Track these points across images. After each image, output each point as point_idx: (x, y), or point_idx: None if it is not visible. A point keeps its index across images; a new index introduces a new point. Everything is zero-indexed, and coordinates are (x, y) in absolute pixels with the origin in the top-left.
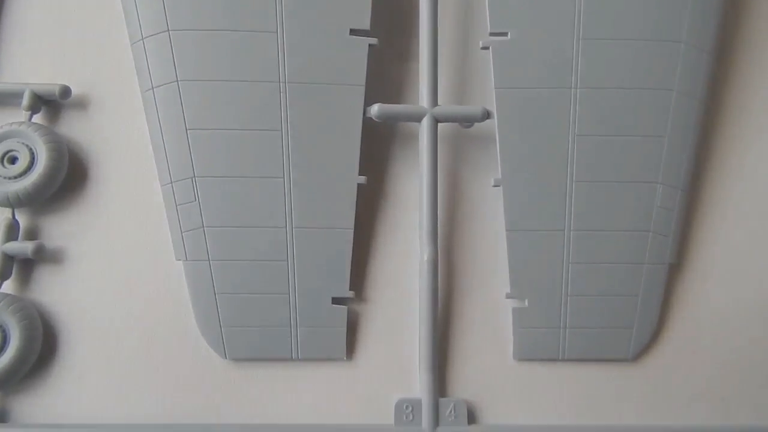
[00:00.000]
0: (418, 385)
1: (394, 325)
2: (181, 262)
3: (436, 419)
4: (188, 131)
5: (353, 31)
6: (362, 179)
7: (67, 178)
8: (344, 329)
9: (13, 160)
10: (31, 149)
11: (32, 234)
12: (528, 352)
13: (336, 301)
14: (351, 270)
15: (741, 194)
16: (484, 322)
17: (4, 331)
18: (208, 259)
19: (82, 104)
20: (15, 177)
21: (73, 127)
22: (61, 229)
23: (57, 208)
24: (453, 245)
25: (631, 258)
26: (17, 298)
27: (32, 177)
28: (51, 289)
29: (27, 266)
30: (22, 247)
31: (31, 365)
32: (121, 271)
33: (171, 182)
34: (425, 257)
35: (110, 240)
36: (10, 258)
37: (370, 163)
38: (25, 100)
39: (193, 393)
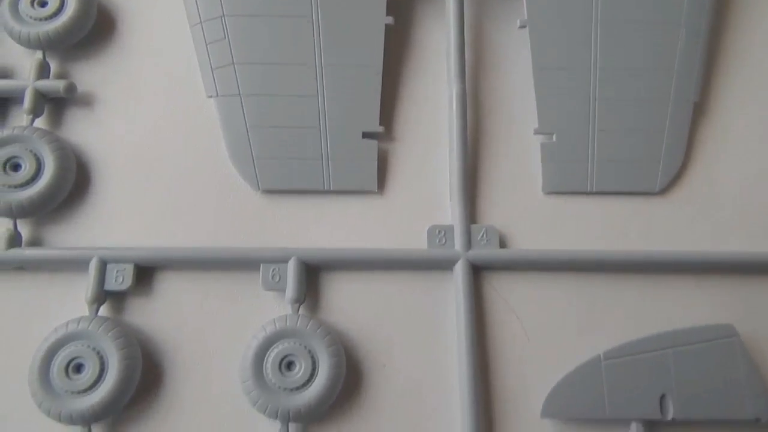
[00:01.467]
0: (449, 215)
1: (424, 160)
2: (212, 98)
3: (468, 243)
4: None
5: None
6: (389, 19)
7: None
8: (375, 162)
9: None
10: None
11: (63, 77)
12: (556, 186)
13: (366, 135)
14: (380, 110)
15: (763, 37)
16: (513, 157)
17: (38, 160)
18: (239, 94)
19: None
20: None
21: None
22: (92, 72)
23: (87, 53)
24: (481, 85)
25: (657, 95)
26: (49, 131)
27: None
28: (83, 129)
29: (59, 106)
30: (54, 84)
31: (65, 194)
32: (153, 109)
33: (200, 22)
34: (454, 91)
35: (140, 81)
36: (41, 95)
37: (395, 9)
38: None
39: (226, 224)
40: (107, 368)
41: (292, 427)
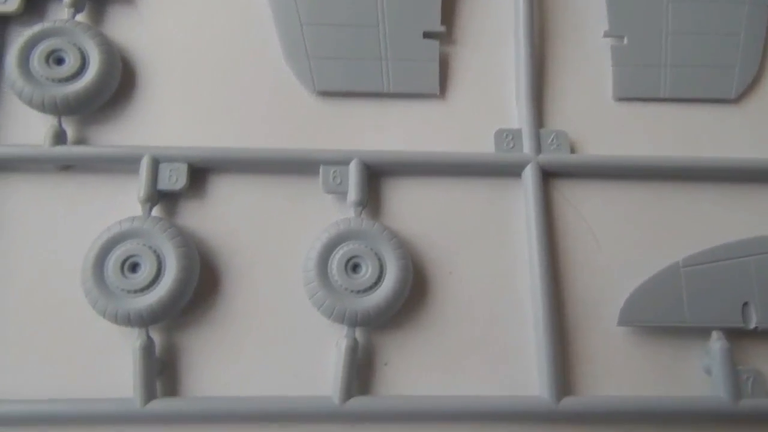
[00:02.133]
0: (515, 119)
1: (487, 62)
2: None
3: (538, 147)
4: None
5: None
6: None
7: None
8: (436, 64)
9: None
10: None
11: None
12: (627, 91)
13: (427, 35)
14: (441, 9)
15: None
16: (581, 61)
17: (83, 54)
18: None
19: None
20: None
21: None
22: None
23: None
24: None
25: None
26: (92, 26)
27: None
28: (126, 27)
29: (100, 2)
30: None
31: (111, 92)
32: (201, 5)
33: None
34: None
35: None
36: None
37: None
38: None
39: (281, 125)
40: (165, 268)
41: (357, 332)
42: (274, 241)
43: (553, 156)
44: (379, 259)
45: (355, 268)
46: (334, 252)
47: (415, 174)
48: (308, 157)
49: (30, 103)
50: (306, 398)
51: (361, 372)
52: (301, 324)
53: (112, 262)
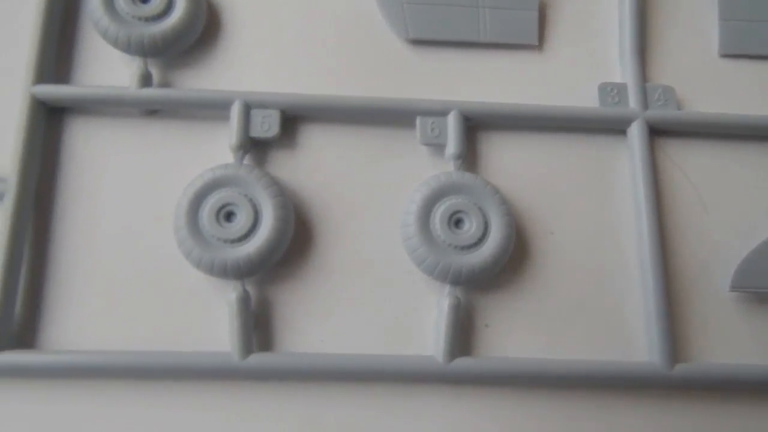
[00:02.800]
0: (617, 74)
1: (588, 14)
2: None
3: (644, 102)
4: None
5: None
6: None
7: None
8: (535, 13)
9: None
10: None
11: None
12: (734, 47)
13: None
14: None
15: None
16: (686, 14)
17: None
18: None
19: None
20: None
21: None
22: None
23: None
24: None
25: None
26: None
27: None
28: None
29: None
30: None
31: (198, 33)
32: None
33: None
34: None
35: None
36: None
37: None
38: None
39: (372, 74)
40: (261, 217)
41: (459, 290)
42: (368, 194)
43: (661, 112)
44: (483, 215)
45: (458, 223)
46: (436, 206)
47: (515, 128)
48: (405, 107)
49: (115, 43)
50: (410, 358)
51: (461, 333)
52: (398, 280)
53: (207, 210)
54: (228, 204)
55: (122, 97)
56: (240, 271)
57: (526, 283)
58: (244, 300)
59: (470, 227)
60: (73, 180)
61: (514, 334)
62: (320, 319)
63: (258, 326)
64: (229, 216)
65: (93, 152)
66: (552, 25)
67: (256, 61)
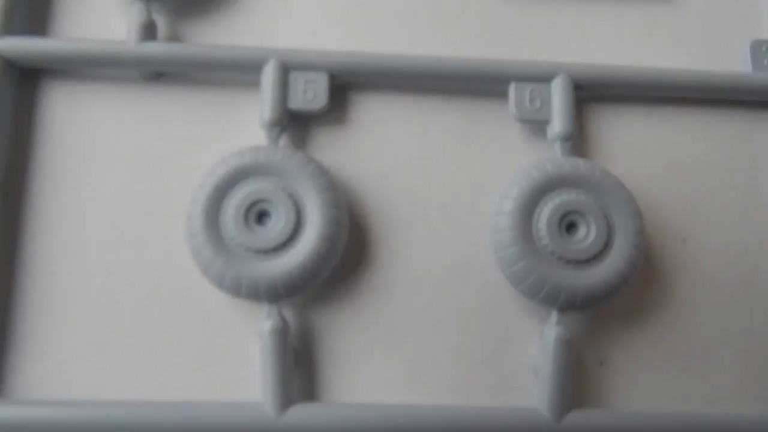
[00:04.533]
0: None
1: None
2: None
3: None
4: None
5: None
6: None
7: None
8: None
9: None
10: None
11: None
12: None
13: None
14: None
15: None
16: None
17: None
18: None
19: None
20: None
21: None
22: None
23: None
24: None
25: None
26: None
27: None
28: None
29: None
30: None
31: None
32: None
33: None
34: None
35: None
36: None
37: None
38: None
39: (454, 30)
40: (305, 219)
41: (568, 317)
42: (445, 187)
43: None
44: (606, 218)
45: (570, 228)
46: (540, 204)
47: (638, 100)
48: (494, 70)
49: None
50: (505, 411)
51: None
52: (486, 303)
53: (232, 209)
54: (260, 200)
55: (117, 54)
56: (276, 293)
57: (653, 306)
58: (281, 331)
59: (588, 234)
60: (50, 164)
61: (638, 374)
62: (382, 356)
63: (299, 367)
64: (262, 217)
65: (78, 128)
66: None
67: (296, 9)
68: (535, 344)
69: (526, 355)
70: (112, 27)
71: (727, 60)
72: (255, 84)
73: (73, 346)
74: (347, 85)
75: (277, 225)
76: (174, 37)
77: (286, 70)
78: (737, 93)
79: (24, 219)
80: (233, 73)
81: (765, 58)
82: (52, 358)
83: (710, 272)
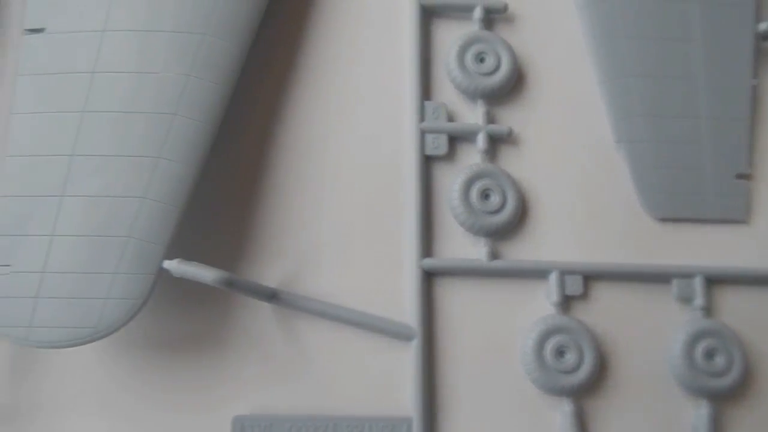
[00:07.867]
0: None
1: None
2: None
3: None
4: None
5: None
6: (755, 81)
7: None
8: (746, 199)
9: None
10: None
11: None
12: None
13: (739, 176)
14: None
15: None
16: None
17: (503, 192)
18: (645, 140)
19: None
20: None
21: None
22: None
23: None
24: None
25: None
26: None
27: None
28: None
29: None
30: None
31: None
32: (561, 150)
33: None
34: None
35: (549, 124)
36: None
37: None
38: None
39: (630, 243)
40: (584, 357)
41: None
42: (635, 340)
43: None
44: (732, 354)
45: (711, 355)
46: (695, 346)
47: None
48: (662, 272)
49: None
50: None
51: None
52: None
53: (549, 348)
54: (562, 345)
55: (476, 267)
56: (572, 393)
57: None
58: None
59: (728, 365)
60: None
61: None
62: None
63: None
64: (558, 353)
65: (447, 304)
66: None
67: (557, 241)
68: None
69: None
70: (462, 249)
71: None
72: (543, 278)
73: None
74: (589, 278)
75: (572, 358)
76: (496, 255)
77: (563, 274)
78: None
79: None
80: (531, 275)
81: None
82: None
83: None
